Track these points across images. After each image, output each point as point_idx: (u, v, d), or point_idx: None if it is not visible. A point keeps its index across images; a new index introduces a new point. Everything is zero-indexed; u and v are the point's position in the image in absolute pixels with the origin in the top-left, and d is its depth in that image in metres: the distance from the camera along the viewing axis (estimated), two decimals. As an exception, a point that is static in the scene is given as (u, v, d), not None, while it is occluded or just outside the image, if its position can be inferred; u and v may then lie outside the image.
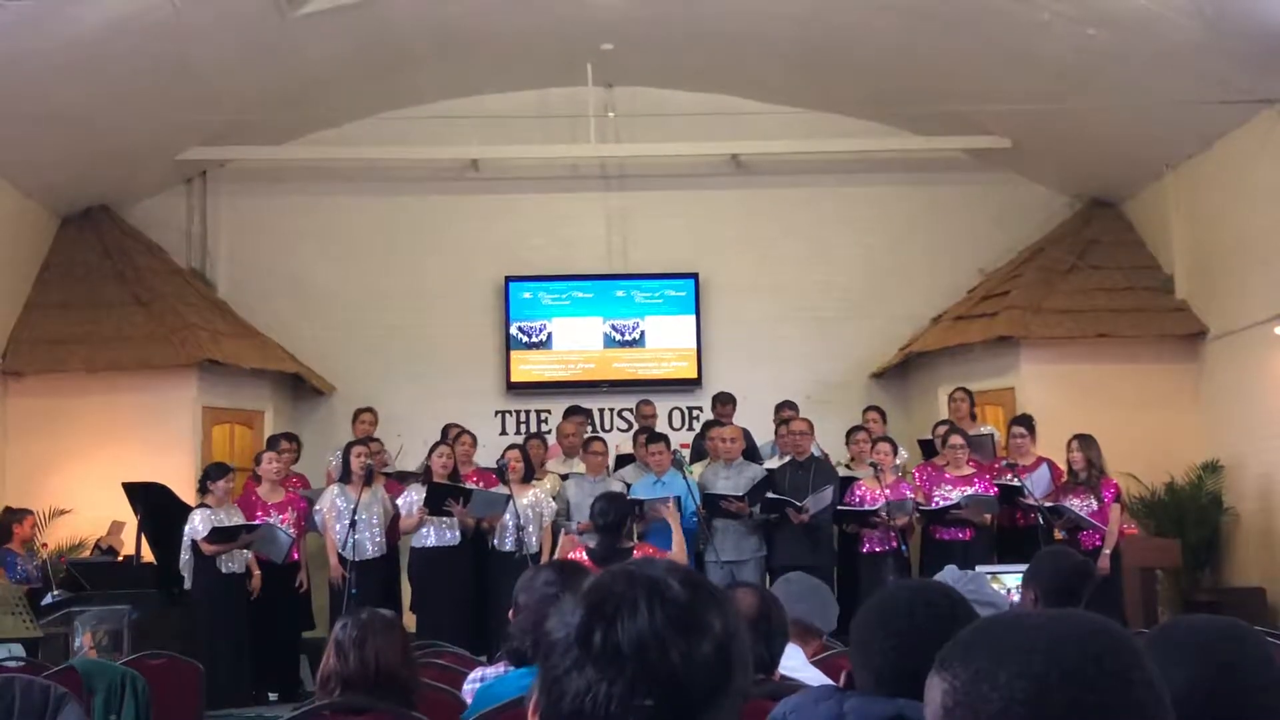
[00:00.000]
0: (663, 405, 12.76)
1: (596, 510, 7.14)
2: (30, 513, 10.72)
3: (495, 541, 9.74)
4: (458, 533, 9.65)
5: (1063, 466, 9.93)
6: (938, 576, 3.82)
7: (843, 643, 5.19)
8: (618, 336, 13.30)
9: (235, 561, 9.52)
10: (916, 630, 2.39)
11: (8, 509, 10.67)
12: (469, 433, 10.64)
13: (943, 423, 10.82)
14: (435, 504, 9.48)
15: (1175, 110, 10.90)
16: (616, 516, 7.11)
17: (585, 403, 12.62)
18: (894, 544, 9.45)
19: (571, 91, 12.87)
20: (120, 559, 10.62)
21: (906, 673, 2.31)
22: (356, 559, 9.37)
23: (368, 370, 12.86)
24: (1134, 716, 1.28)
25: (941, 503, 9.73)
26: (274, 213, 13.35)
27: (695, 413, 13.12)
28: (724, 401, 11.49)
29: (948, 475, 9.90)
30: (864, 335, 13.27)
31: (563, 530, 9.87)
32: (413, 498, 9.69)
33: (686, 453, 11.03)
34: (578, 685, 1.31)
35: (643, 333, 13.31)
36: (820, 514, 9.69)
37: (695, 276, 13.33)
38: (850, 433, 10.75)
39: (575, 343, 13.28)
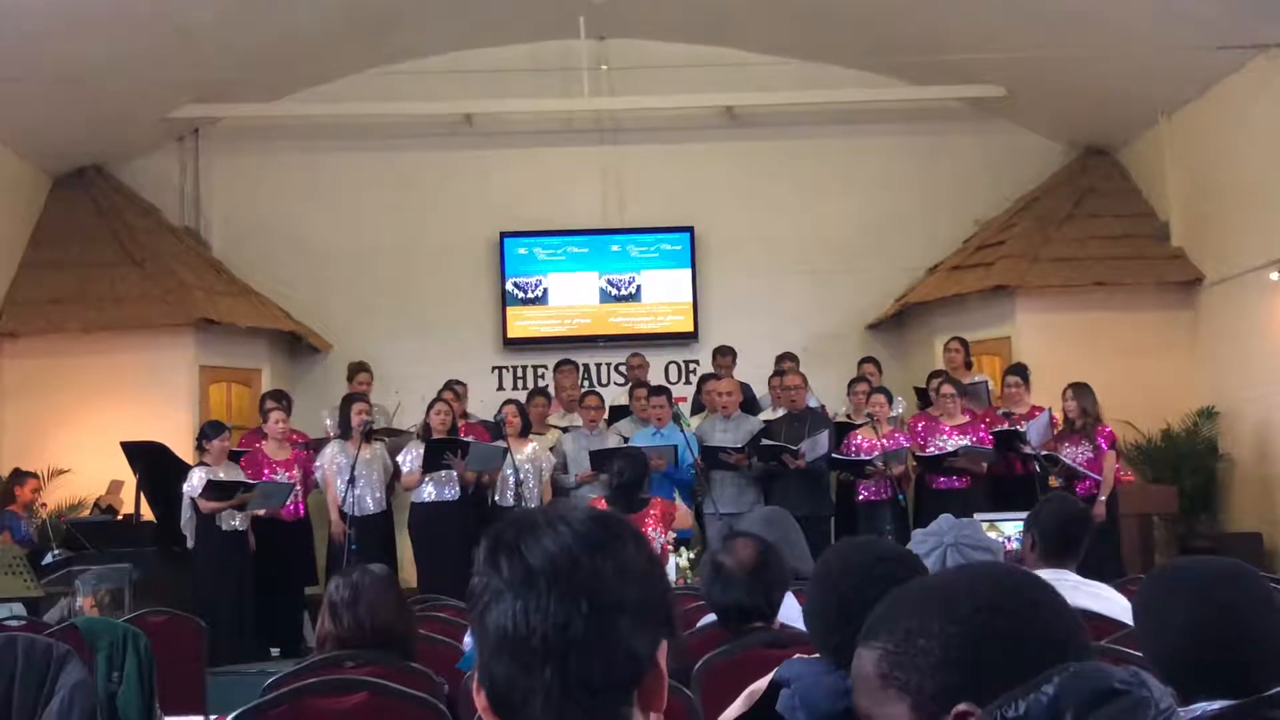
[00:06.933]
0: (659, 359, 12.76)
1: (615, 469, 7.56)
2: (35, 476, 10.75)
3: (495, 496, 9.77)
4: (458, 488, 9.68)
5: (1059, 416, 9.96)
6: (932, 525, 3.82)
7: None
8: (614, 291, 13.26)
9: (236, 518, 9.54)
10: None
11: (16, 470, 10.69)
12: (453, 388, 10.58)
13: (936, 374, 10.83)
14: (434, 458, 9.50)
15: (1170, 56, 10.84)
16: (634, 475, 7.56)
17: (582, 357, 12.63)
18: (890, 493, 9.49)
19: (564, 45, 12.79)
20: (120, 518, 10.66)
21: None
22: (358, 514, 9.43)
23: (364, 327, 12.82)
24: (1058, 633, 1.36)
25: (938, 451, 9.77)
26: (267, 170, 13.27)
27: (692, 366, 13.11)
28: (723, 353, 11.45)
29: (944, 425, 9.94)
30: (860, 286, 13.23)
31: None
32: (413, 454, 9.71)
33: (683, 406, 11.03)
34: (498, 615, 1.32)
35: (639, 287, 13.26)
36: (817, 460, 9.72)
37: (691, 230, 13.26)
38: (851, 384, 10.77)
39: (571, 298, 13.23)
